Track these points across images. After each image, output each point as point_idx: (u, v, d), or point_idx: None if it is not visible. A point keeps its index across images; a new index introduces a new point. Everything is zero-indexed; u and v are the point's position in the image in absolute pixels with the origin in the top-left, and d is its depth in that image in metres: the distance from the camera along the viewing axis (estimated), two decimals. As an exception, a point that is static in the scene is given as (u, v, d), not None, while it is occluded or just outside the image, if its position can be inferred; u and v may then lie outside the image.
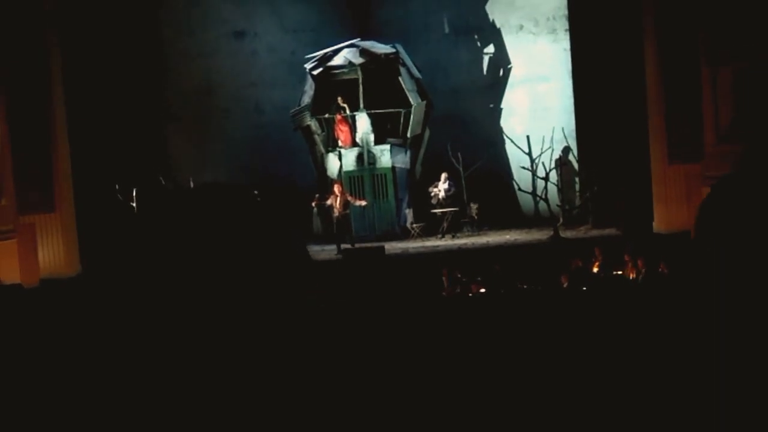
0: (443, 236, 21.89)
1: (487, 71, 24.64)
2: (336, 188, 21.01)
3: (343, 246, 20.36)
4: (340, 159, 22.70)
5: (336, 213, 20.76)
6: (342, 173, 22.56)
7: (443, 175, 22.32)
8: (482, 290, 14.25)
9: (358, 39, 23.53)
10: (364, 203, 21.47)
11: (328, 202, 20.89)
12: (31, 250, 18.32)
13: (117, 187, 20.19)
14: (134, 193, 19.89)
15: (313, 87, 23.01)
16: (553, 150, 22.40)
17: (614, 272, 15.24)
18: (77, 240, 19.38)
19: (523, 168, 22.35)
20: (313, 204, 21.54)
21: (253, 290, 1.42)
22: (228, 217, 1.46)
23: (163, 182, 21.37)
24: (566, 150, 22.68)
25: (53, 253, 18.86)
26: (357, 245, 20.58)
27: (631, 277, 14.63)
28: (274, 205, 1.46)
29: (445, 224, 22.09)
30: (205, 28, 24.54)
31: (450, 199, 22.25)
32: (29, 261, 18.06)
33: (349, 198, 21.07)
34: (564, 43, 23.29)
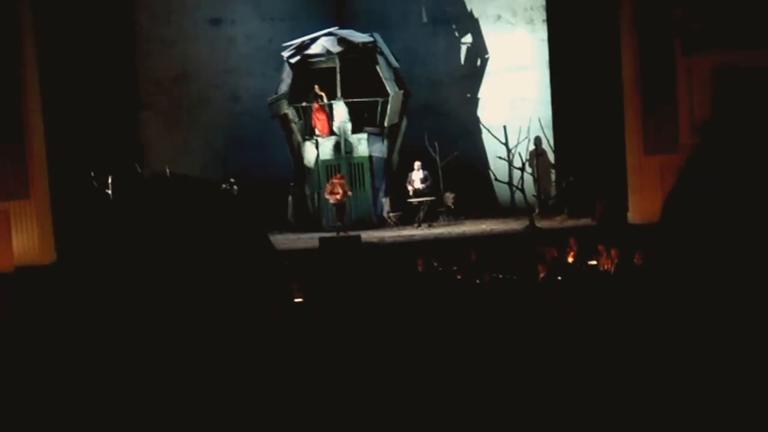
0: (420, 225, 21.94)
1: (465, 61, 24.66)
2: (336, 179, 21.36)
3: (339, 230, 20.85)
4: (317, 148, 22.68)
5: (331, 201, 21.31)
6: (319, 162, 22.55)
7: (416, 164, 22.36)
8: (458, 277, 14.29)
9: (336, 27, 23.47)
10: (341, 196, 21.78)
11: (328, 193, 21.24)
12: (5, 237, 18.20)
13: (92, 174, 20.07)
14: (110, 181, 19.78)
15: (291, 75, 22.95)
16: (529, 140, 22.46)
17: (589, 262, 15.31)
18: (52, 227, 19.26)
19: (500, 158, 22.40)
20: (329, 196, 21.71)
21: (222, 281, 1.42)
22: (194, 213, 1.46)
23: (139, 170, 21.27)
24: (538, 140, 22.64)
25: (28, 241, 18.73)
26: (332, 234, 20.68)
27: (605, 268, 14.71)
28: (237, 200, 1.45)
29: (421, 214, 22.13)
30: (181, 15, 24.38)
31: (426, 188, 22.30)
32: (3, 248, 17.96)
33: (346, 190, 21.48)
34: (541, 34, 23.34)
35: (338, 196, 21.37)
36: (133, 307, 1.41)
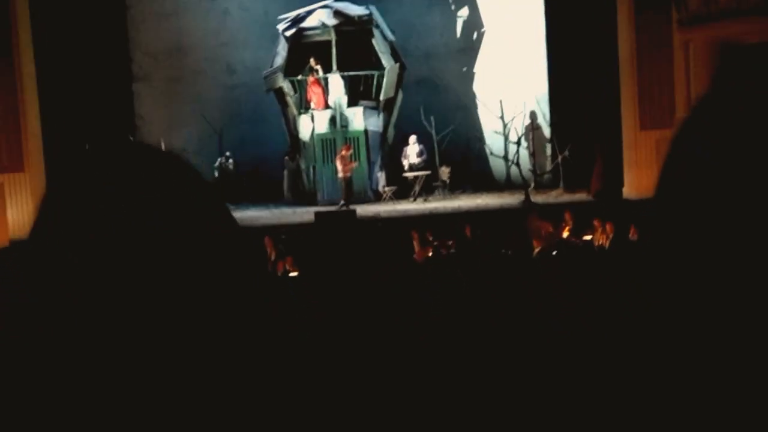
0: (415, 200, 21.93)
1: (461, 34, 24.55)
2: (345, 151, 21.20)
3: (342, 205, 20.76)
4: (312, 121, 22.61)
5: (341, 174, 21.08)
6: (314, 135, 22.49)
7: (412, 138, 22.34)
8: (452, 250, 14.28)
9: (332, 0, 23.35)
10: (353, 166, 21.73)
11: (342, 166, 21.13)
12: (0, 211, 18.17)
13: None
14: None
15: (286, 48, 22.84)
16: (525, 115, 22.42)
17: (584, 237, 15.31)
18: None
19: (496, 132, 22.36)
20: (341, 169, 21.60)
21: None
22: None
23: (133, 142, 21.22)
24: (533, 115, 22.61)
25: (22, 214, 18.70)
26: (326, 208, 20.65)
27: (600, 243, 14.72)
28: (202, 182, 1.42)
29: (417, 188, 22.11)
30: (177, -13, 24.24)
31: (422, 162, 22.28)
32: (-2, 221, 17.93)
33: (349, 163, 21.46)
34: (538, 7, 23.23)
35: (352, 166, 21.26)
36: (129, 303, 1.39)
